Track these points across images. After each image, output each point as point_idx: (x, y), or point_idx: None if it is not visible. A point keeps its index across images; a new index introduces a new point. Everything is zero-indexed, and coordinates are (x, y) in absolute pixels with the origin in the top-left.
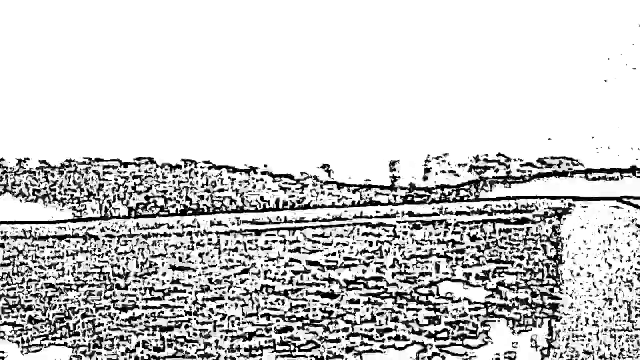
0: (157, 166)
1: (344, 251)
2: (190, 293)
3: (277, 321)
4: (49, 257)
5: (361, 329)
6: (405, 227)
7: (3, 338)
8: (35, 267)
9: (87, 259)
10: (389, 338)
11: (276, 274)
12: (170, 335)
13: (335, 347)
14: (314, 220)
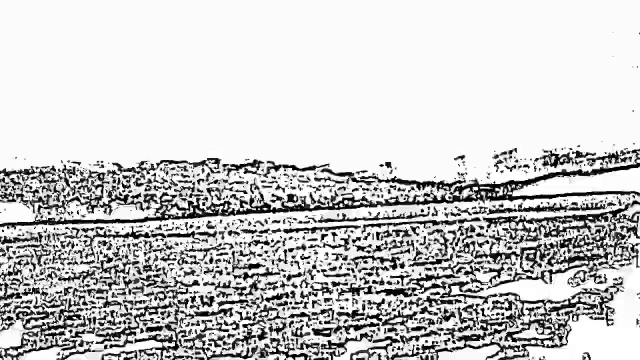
0: (223, 166)
1: (413, 248)
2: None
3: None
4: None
5: (440, 328)
6: (477, 223)
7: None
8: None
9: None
10: (466, 337)
11: (347, 270)
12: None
13: (409, 346)
14: (379, 218)
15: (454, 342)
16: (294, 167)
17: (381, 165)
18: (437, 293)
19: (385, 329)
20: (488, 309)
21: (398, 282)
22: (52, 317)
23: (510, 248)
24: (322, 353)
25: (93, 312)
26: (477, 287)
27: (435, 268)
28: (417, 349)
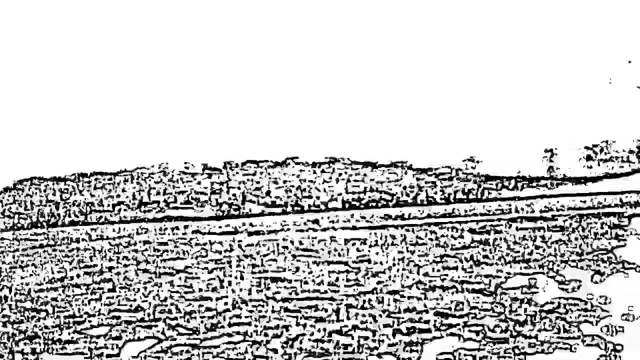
0: (302, 164)
1: (501, 246)
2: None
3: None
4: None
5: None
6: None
7: None
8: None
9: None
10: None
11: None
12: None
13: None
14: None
15: None
16: (373, 165)
17: (464, 160)
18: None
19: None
20: None
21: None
22: None
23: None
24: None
25: None
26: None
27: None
28: None
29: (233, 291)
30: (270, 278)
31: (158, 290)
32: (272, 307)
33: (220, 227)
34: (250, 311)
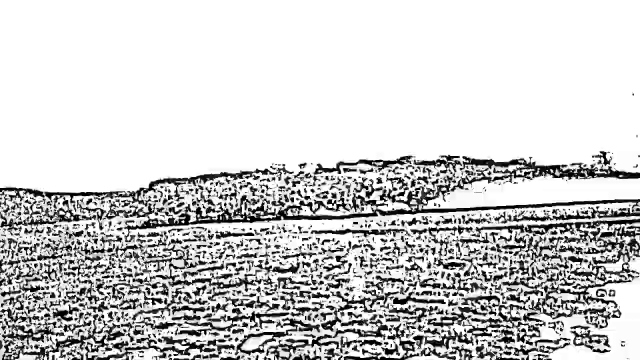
0: (415, 163)
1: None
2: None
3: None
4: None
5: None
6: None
7: None
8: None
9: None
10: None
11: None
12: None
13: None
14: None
15: None
16: (491, 162)
17: (594, 157)
18: None
19: None
20: None
21: None
22: None
23: None
24: None
25: None
26: None
27: None
28: None
29: (351, 289)
30: (384, 279)
31: (275, 287)
32: (388, 306)
33: (342, 225)
34: (367, 310)
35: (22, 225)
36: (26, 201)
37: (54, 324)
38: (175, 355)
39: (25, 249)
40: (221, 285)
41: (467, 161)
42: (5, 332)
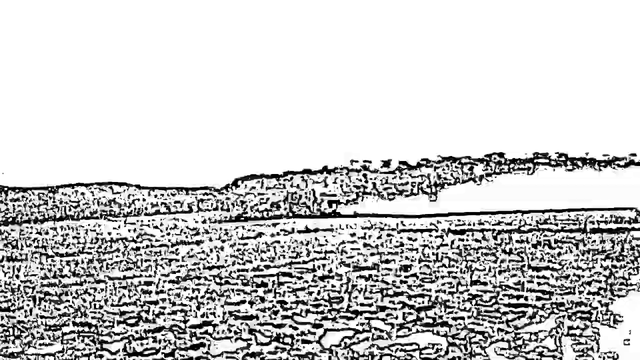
0: (507, 161)
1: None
2: None
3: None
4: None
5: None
6: None
7: None
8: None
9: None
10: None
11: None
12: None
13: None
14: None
15: None
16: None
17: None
18: None
19: None
20: None
21: None
22: None
23: None
24: None
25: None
26: None
27: None
28: None
29: (428, 290)
30: (471, 281)
31: (351, 283)
32: (470, 308)
33: (422, 224)
34: (447, 312)
35: (120, 217)
36: (128, 195)
37: (147, 311)
38: (255, 345)
39: (123, 239)
40: (304, 281)
41: (559, 159)
42: (101, 318)
